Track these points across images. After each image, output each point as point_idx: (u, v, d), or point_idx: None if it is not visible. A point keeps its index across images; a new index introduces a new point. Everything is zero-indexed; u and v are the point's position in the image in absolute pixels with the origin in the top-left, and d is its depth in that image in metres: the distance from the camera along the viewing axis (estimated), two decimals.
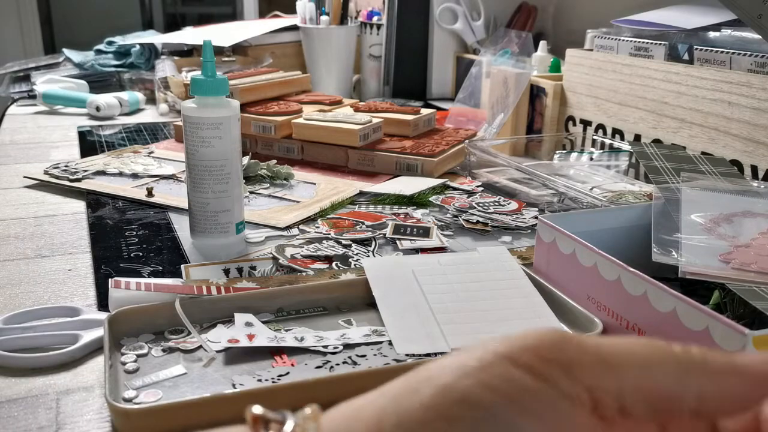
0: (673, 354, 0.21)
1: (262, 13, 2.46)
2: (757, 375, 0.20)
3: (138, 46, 1.51)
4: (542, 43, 1.20)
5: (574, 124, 1.06)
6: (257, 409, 0.21)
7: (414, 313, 0.53)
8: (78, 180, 0.87)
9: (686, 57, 0.88)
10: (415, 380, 0.20)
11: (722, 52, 0.81)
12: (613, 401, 0.20)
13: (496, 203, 0.80)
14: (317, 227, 0.72)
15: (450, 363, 0.20)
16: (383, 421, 0.20)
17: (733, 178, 0.70)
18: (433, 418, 0.19)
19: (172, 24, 3.78)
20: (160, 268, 0.63)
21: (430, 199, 0.81)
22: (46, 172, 0.90)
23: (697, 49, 0.85)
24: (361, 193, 0.85)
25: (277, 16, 1.69)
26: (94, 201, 0.82)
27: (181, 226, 0.73)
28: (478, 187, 0.87)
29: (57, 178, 0.88)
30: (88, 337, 0.50)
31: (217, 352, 0.48)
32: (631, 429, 0.21)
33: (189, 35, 1.60)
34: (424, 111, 1.05)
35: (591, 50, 1.05)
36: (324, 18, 1.39)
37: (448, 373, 0.20)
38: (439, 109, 1.26)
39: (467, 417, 0.19)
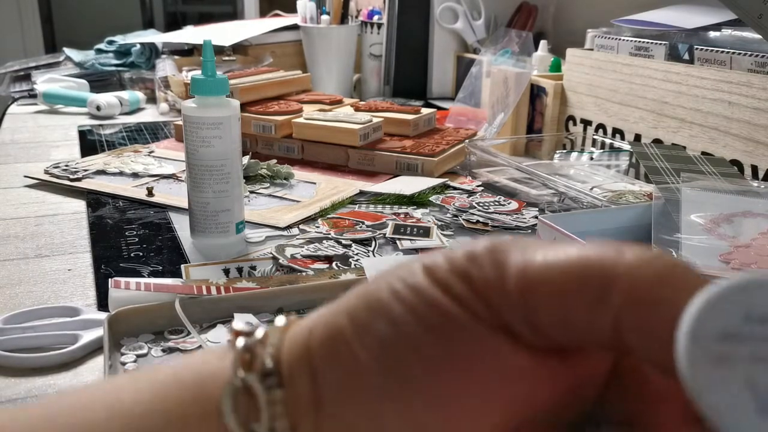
0: (594, 279, 0.17)
1: (263, 13, 2.46)
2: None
3: (138, 46, 1.51)
4: (542, 43, 1.20)
5: (575, 124, 1.06)
6: (237, 325, 0.21)
7: None
8: (78, 179, 0.87)
9: (686, 57, 0.87)
10: (352, 292, 0.20)
11: (722, 51, 0.81)
12: (524, 324, 0.18)
13: (497, 203, 0.80)
14: (317, 227, 0.72)
15: (383, 275, 0.20)
16: (314, 325, 0.20)
17: (733, 179, 0.70)
18: (346, 324, 0.19)
19: (173, 23, 3.78)
20: (160, 268, 0.63)
21: (430, 198, 0.81)
22: (46, 172, 0.90)
23: (697, 48, 0.85)
24: (362, 193, 0.85)
25: (277, 15, 1.69)
26: (95, 200, 0.82)
27: (181, 225, 0.73)
28: (478, 186, 0.87)
29: (57, 177, 0.88)
30: (88, 337, 0.50)
31: None
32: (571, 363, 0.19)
33: (189, 34, 1.60)
34: (425, 110, 1.05)
35: (591, 50, 1.05)
36: (324, 17, 1.39)
37: (375, 282, 0.20)
38: (439, 108, 1.26)
39: (373, 322, 0.19)
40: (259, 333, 0.21)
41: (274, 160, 0.92)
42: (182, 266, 0.63)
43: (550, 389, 0.19)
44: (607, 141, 0.97)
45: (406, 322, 0.18)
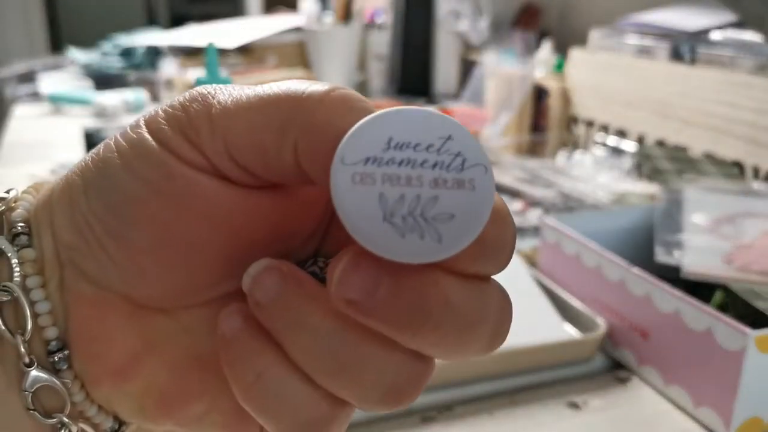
0: (282, 110, 0.19)
1: (266, 10, 2.46)
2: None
3: (143, 47, 1.52)
4: (546, 43, 1.20)
5: (575, 124, 1.07)
6: None
7: None
8: None
9: (689, 58, 0.88)
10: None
11: (725, 53, 0.81)
12: (227, 161, 0.19)
13: None
14: None
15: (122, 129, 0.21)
16: (57, 183, 0.21)
17: (735, 180, 0.70)
18: (77, 177, 0.20)
19: (177, 22, 3.78)
20: None
21: None
22: (52, 173, 0.90)
23: (700, 50, 0.85)
24: None
25: (280, 5, 1.69)
26: None
27: None
28: None
29: None
30: None
31: None
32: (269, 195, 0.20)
33: (193, 34, 1.60)
34: None
35: (595, 50, 1.05)
36: (327, 18, 1.39)
37: (111, 136, 0.21)
38: (443, 108, 1.26)
39: (95, 174, 0.20)
40: (11, 194, 0.21)
41: None
42: None
43: (263, 223, 0.20)
44: (611, 142, 0.97)
45: (121, 175, 0.19)
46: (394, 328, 0.17)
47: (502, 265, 0.19)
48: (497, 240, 0.18)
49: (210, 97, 0.20)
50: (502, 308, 0.19)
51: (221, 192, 0.19)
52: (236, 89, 0.20)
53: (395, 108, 0.17)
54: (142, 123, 0.20)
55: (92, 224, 0.20)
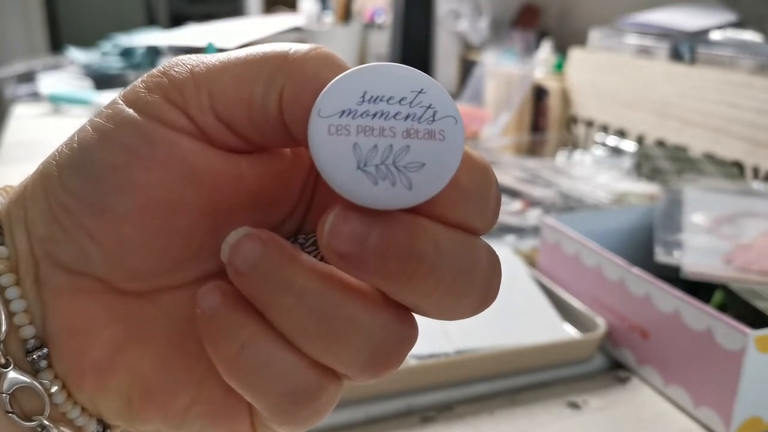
0: (269, 63, 0.19)
1: (266, 10, 2.46)
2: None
3: (143, 47, 1.52)
4: (546, 43, 1.20)
5: (575, 124, 1.07)
6: None
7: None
8: None
9: (689, 58, 0.88)
10: None
11: (725, 53, 0.81)
12: (211, 118, 0.19)
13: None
14: None
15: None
16: (30, 177, 0.21)
17: (735, 180, 0.70)
18: (50, 163, 0.21)
19: (177, 22, 3.78)
20: None
21: None
22: None
23: (699, 50, 0.85)
24: None
25: (280, 5, 1.69)
26: None
27: None
28: None
29: None
30: None
31: None
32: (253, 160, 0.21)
33: (193, 34, 1.60)
34: None
35: (595, 50, 1.05)
36: (327, 18, 1.39)
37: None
38: None
39: (70, 153, 0.20)
40: None
41: None
42: None
43: (244, 189, 0.21)
44: (611, 141, 0.97)
45: (99, 147, 0.20)
46: (388, 277, 0.17)
47: (486, 219, 0.19)
48: (474, 187, 0.18)
49: (191, 60, 0.20)
50: (491, 264, 0.19)
51: (203, 154, 0.20)
52: (217, 54, 0.20)
53: (370, 64, 0.18)
54: (118, 98, 0.20)
55: (69, 205, 0.19)
